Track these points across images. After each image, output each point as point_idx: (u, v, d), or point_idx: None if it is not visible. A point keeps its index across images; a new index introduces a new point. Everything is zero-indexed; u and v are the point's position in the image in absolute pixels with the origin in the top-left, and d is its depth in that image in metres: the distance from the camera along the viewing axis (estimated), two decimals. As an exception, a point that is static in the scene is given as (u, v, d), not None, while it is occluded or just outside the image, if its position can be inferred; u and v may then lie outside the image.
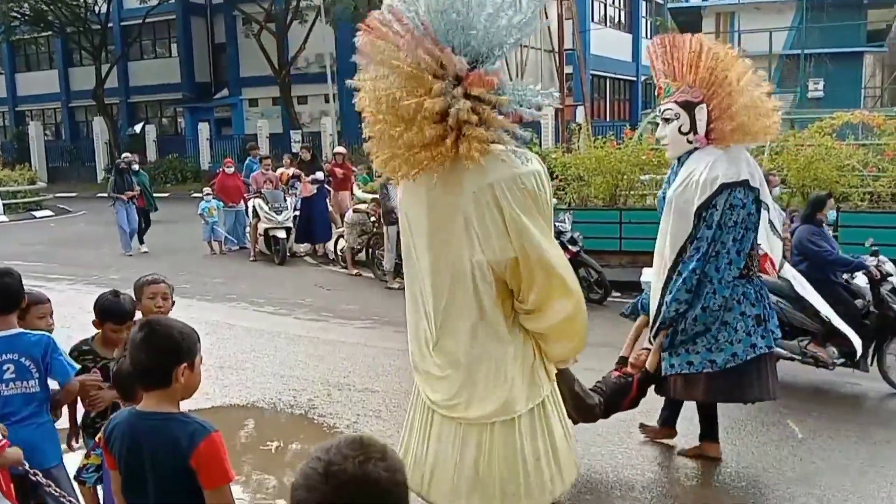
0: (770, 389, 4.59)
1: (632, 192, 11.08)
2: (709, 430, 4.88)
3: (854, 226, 9.28)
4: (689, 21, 23.69)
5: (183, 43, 35.59)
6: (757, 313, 4.50)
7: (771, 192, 6.10)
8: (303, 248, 13.67)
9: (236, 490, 4.69)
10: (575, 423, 4.42)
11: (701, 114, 4.52)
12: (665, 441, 5.14)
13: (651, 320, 4.72)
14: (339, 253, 12.50)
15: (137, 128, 35.37)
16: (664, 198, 4.70)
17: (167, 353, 2.35)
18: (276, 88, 31.56)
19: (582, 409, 4.52)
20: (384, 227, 10.67)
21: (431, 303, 3.42)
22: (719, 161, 4.45)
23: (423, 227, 3.39)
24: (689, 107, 4.54)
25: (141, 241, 14.40)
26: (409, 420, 3.73)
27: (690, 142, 4.58)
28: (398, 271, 10.78)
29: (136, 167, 14.90)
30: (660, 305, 4.58)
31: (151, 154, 32.89)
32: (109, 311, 3.64)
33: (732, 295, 4.46)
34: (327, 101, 29.11)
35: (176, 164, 30.94)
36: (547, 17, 15.38)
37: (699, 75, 4.49)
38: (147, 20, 33.05)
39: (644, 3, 34.51)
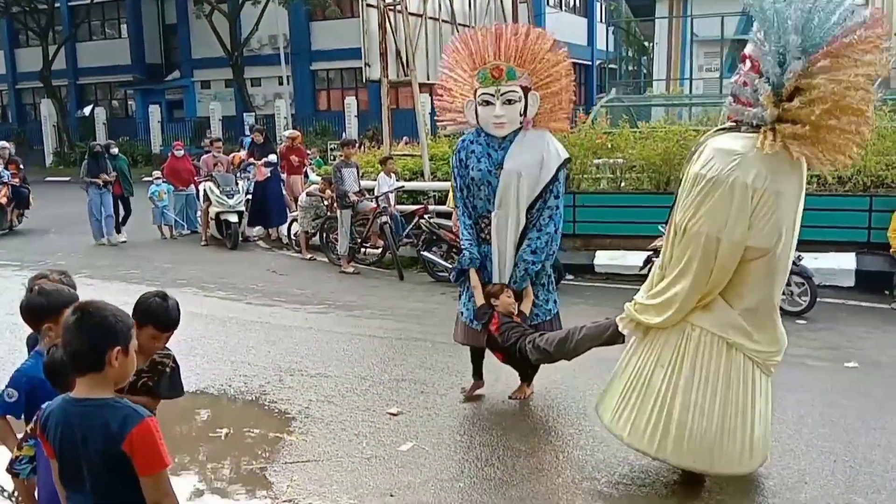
0: None
1: (585, 176, 11.14)
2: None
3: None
4: (642, 5, 23.82)
5: (133, 24, 34.87)
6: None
7: None
8: (255, 232, 13.52)
9: (188, 477, 4.68)
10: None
11: (533, 99, 5.19)
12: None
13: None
14: (292, 237, 12.40)
15: (87, 110, 34.63)
16: (488, 169, 5.20)
17: (100, 337, 2.30)
18: (228, 70, 31.13)
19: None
20: (338, 211, 10.60)
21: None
22: (547, 140, 5.25)
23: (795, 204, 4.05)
24: (526, 92, 5.17)
25: (118, 230, 13.58)
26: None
27: (521, 124, 5.21)
28: (352, 255, 10.74)
29: (114, 150, 13.96)
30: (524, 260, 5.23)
31: (101, 137, 32.18)
32: (154, 314, 3.25)
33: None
34: (281, 83, 28.79)
35: (127, 147, 30.25)
36: (501, 1, 15.34)
37: (540, 65, 5.19)
38: (96, 1, 32.24)
39: (599, -15, 34.71)
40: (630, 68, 27.82)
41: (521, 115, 5.17)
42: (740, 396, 4.06)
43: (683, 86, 20.60)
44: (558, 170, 5.17)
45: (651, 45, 24.62)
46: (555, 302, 5.48)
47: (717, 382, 4.05)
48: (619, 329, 4.39)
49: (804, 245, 8.40)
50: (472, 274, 5.32)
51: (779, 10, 3.75)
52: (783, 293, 7.88)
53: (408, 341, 7.28)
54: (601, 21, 33.85)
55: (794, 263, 7.86)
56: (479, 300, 5.24)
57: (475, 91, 5.24)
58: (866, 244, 9.18)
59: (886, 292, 8.51)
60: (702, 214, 3.91)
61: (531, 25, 5.62)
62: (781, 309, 7.59)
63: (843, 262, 9.06)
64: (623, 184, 10.80)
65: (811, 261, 8.41)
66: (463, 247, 5.37)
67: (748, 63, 3.98)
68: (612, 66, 28.64)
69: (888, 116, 10.14)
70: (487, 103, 5.17)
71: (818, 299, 7.98)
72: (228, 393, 6.05)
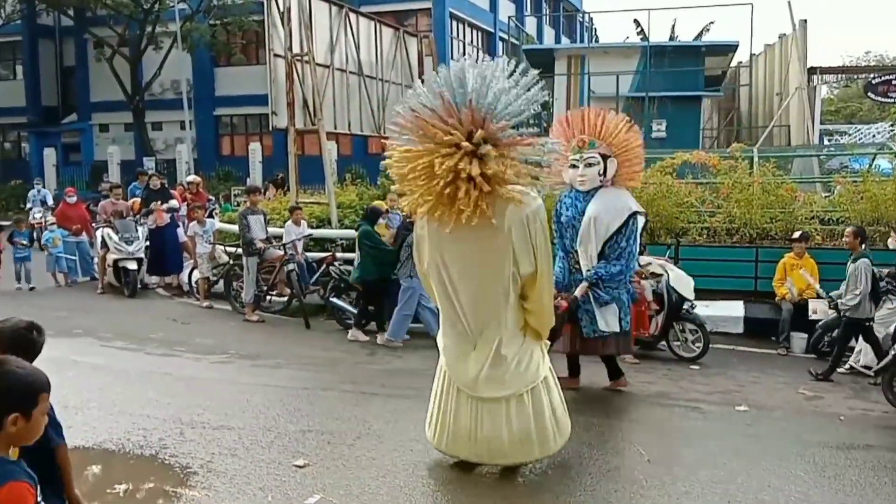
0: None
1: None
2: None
3: (692, 258, 9.95)
4: (542, 62, 24.57)
5: (29, 65, 33.71)
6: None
7: None
8: (154, 279, 13.16)
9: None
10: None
11: (612, 164, 6.75)
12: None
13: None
14: (193, 284, 12.13)
15: (-24, 152, 33.16)
16: (574, 216, 6.81)
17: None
18: (128, 114, 30.46)
19: None
20: (244, 259, 10.45)
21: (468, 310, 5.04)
22: (623, 196, 6.78)
23: (461, 254, 4.93)
24: (605, 158, 6.73)
25: None
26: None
27: (601, 182, 6.74)
28: (258, 303, 10.59)
29: None
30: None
31: (-8, 180, 30.92)
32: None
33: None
34: (183, 127, 28.32)
35: (19, 190, 29.04)
36: (408, 54, 15.68)
37: (616, 139, 6.73)
38: (-9, 41, 31.16)
39: (501, 43, 35.69)
40: (530, 122, 28.66)
41: (600, 175, 6.72)
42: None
43: (581, 140, 21.34)
44: (629, 218, 6.61)
45: (550, 100, 25.45)
46: (620, 323, 6.84)
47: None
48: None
49: (697, 293, 8.88)
50: None
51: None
52: (678, 340, 8.45)
53: (314, 391, 7.21)
54: (503, 75, 34.78)
55: (687, 311, 8.35)
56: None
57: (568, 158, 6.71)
58: (753, 293, 9.70)
59: (773, 338, 8.98)
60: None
61: (606, 110, 7.11)
62: (676, 354, 8.42)
63: (733, 310, 9.54)
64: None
65: (703, 309, 8.82)
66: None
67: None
68: (513, 119, 29.42)
69: (771, 172, 10.81)
70: (574, 166, 6.77)
71: (710, 346, 8.35)
72: (126, 447, 5.82)
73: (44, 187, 21.70)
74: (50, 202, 19.28)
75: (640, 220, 6.83)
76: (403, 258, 8.76)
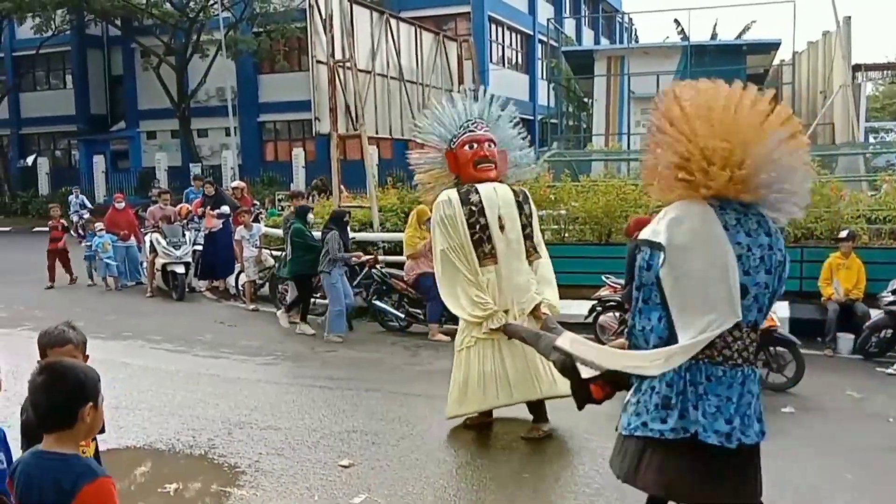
0: None
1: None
2: None
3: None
4: (581, 64, 24.64)
5: (78, 75, 34.59)
6: None
7: None
8: (202, 283, 13.42)
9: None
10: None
11: None
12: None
13: None
14: (239, 288, 12.35)
15: (29, 160, 34.08)
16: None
17: (72, 394, 2.32)
18: (175, 121, 31.07)
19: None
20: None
21: None
22: None
23: None
24: None
25: None
26: None
27: None
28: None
29: None
30: None
31: (44, 187, 31.70)
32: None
33: None
34: (228, 134, 28.78)
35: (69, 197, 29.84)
36: (447, 58, 15.76)
37: None
38: (41, 51, 32.00)
39: (540, 45, 35.63)
40: (570, 123, 28.60)
41: None
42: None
43: (621, 141, 21.30)
44: None
45: (590, 101, 25.39)
46: None
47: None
48: None
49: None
50: None
51: None
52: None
53: (358, 392, 7.30)
54: (542, 78, 34.72)
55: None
56: None
57: None
58: (798, 293, 9.57)
59: (819, 339, 8.85)
60: None
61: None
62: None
63: (778, 311, 9.40)
64: (566, 235, 11.08)
65: (748, 310, 8.70)
66: None
67: None
68: (553, 121, 29.40)
69: (816, 171, 10.65)
70: None
71: (755, 347, 8.24)
72: (176, 447, 5.98)
73: (82, 193, 24.61)
74: (89, 205, 23.04)
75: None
76: (324, 253, 9.48)
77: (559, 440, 5.90)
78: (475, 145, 5.92)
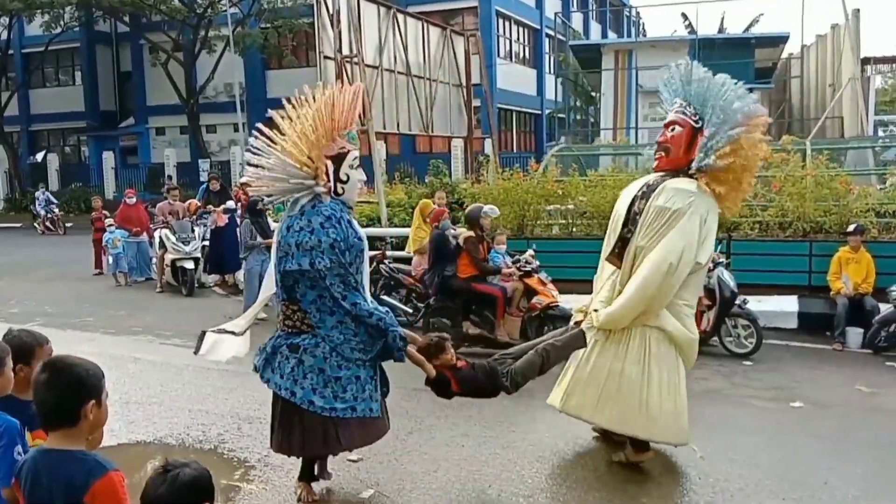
0: None
1: (538, 223, 11.41)
2: None
3: (744, 253, 9.83)
4: (589, 58, 24.52)
5: (87, 71, 34.73)
6: None
7: None
8: (211, 278, 13.46)
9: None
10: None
11: None
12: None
13: None
14: (248, 284, 12.37)
15: (39, 156, 34.24)
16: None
17: (74, 391, 2.34)
18: (183, 117, 31.14)
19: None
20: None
21: None
22: None
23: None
24: None
25: None
26: None
27: None
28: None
29: None
30: None
31: (54, 183, 31.85)
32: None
33: None
34: (236, 129, 28.84)
35: (79, 193, 29.98)
36: (455, 53, 15.76)
37: None
38: (50, 48, 32.12)
39: (547, 39, 35.53)
40: (578, 118, 28.52)
41: None
42: (677, 380, 5.17)
43: (629, 135, 21.22)
44: None
45: (598, 95, 25.30)
46: None
47: (673, 373, 5.11)
48: (587, 338, 5.19)
49: (749, 288, 8.77)
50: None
51: (710, 89, 5.35)
52: (731, 335, 8.35)
53: (366, 387, 7.30)
54: (550, 72, 34.64)
55: (739, 306, 8.25)
56: (432, 373, 4.91)
57: None
58: (807, 287, 9.54)
59: (828, 333, 8.83)
60: (663, 242, 4.87)
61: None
62: (729, 350, 8.24)
63: (786, 305, 9.40)
64: (574, 229, 11.08)
65: (756, 304, 8.71)
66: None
67: (677, 128, 5.23)
68: (560, 115, 29.35)
69: (824, 165, 10.62)
70: None
71: (763, 341, 8.25)
72: (186, 441, 6.02)
73: (47, 190, 26.07)
74: (55, 201, 24.82)
75: None
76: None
77: (562, 449, 5.91)
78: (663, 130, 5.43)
